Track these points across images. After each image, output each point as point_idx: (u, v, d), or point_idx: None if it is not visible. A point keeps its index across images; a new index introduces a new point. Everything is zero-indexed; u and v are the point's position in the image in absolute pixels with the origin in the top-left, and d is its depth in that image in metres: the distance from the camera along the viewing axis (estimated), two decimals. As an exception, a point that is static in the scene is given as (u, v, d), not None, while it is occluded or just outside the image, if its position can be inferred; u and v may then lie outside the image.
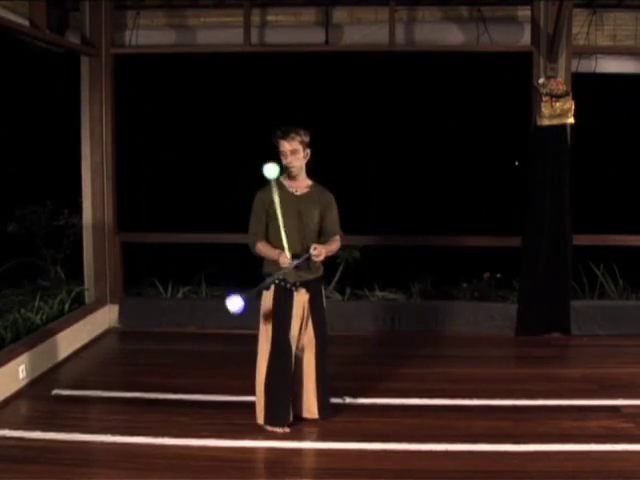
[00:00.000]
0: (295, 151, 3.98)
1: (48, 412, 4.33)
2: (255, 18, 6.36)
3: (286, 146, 3.97)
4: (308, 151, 4.04)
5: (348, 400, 4.48)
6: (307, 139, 4.02)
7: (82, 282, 6.50)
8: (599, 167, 10.13)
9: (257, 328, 4.11)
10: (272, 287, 4.02)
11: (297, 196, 4.07)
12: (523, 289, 6.20)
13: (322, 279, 4.20)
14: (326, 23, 6.32)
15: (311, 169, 4.14)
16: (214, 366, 5.32)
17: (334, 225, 4.12)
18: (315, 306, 4.10)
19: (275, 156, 3.99)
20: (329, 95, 10.13)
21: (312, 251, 3.86)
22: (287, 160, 3.99)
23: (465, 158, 10.82)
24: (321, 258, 3.92)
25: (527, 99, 6.19)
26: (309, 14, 6.40)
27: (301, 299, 4.06)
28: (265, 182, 3.99)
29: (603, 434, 3.95)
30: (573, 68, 6.10)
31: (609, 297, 6.70)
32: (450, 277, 7.21)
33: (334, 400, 4.35)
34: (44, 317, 5.69)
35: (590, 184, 9.30)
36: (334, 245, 4.05)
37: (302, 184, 4.10)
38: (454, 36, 6.29)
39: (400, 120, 10.62)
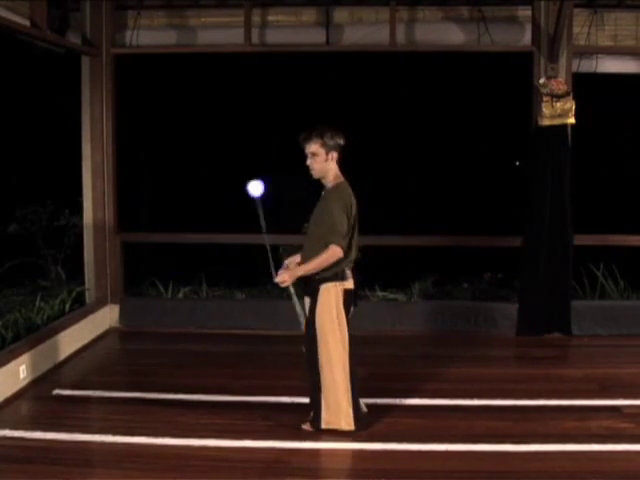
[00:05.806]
0: (314, 154, 3.89)
1: (49, 412, 4.33)
2: (256, 18, 6.35)
3: (306, 149, 3.92)
4: (333, 154, 3.91)
5: None
6: (333, 142, 3.89)
7: (83, 282, 6.50)
8: (600, 167, 10.13)
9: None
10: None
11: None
12: (524, 289, 6.19)
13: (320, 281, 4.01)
14: (327, 23, 6.31)
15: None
16: (214, 366, 5.32)
17: (322, 230, 3.89)
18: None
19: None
20: (329, 95, 10.13)
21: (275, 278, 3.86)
22: (307, 163, 3.94)
23: (466, 158, 10.83)
24: (285, 284, 3.84)
25: (528, 99, 6.19)
26: (310, 14, 6.39)
27: None
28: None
29: (604, 434, 3.95)
30: (574, 68, 6.09)
31: (610, 297, 6.70)
32: (451, 277, 7.21)
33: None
34: (45, 317, 5.70)
35: (591, 184, 9.30)
36: (311, 264, 3.84)
37: (327, 187, 4.00)
38: (455, 36, 6.28)
39: (400, 120, 10.62)
